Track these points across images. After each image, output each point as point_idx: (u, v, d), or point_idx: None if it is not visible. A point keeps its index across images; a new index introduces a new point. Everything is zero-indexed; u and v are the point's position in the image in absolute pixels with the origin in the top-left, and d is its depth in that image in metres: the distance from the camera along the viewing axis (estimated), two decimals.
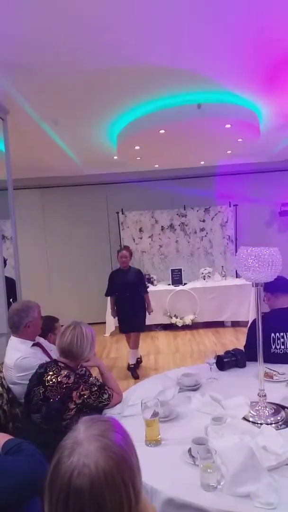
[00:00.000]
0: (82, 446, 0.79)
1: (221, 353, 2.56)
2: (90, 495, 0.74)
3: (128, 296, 4.73)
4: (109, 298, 5.02)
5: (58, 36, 2.54)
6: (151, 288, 6.59)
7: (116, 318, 4.97)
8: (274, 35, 2.70)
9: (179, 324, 6.41)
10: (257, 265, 1.73)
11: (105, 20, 2.39)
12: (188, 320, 6.40)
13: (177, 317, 6.44)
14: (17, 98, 3.28)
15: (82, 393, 1.86)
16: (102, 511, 0.75)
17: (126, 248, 5.85)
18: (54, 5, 2.20)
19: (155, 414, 1.68)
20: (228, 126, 4.03)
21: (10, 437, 1.39)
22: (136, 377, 4.61)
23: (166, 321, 6.49)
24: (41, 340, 2.64)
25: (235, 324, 6.51)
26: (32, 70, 2.95)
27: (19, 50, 2.67)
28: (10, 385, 2.34)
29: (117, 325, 5.12)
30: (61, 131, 4.48)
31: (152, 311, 4.98)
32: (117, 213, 7.10)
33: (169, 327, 6.56)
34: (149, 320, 6.42)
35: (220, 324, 6.55)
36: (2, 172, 3.34)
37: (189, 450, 1.56)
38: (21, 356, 2.31)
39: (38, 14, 2.28)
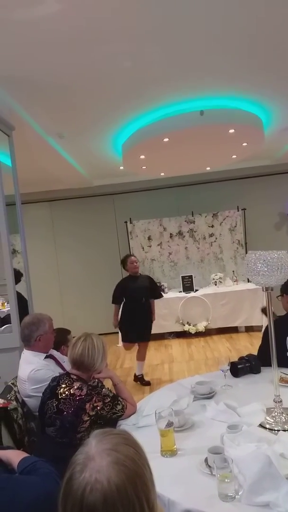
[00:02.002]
0: (94, 461, 0.77)
1: (236, 359, 2.53)
2: (103, 510, 0.73)
3: (144, 303, 4.68)
4: (114, 306, 4.81)
5: (58, 53, 2.58)
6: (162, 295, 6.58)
7: (118, 327, 4.84)
8: (281, 38, 2.70)
9: (192, 331, 6.36)
10: (266, 269, 1.72)
11: (103, 33, 2.43)
12: (201, 327, 6.35)
13: (190, 324, 6.40)
14: (22, 114, 3.33)
15: (95, 404, 1.85)
16: None
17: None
18: (55, 21, 2.24)
19: (169, 424, 1.66)
20: (232, 131, 4.03)
21: (25, 455, 1.39)
22: (147, 383, 4.63)
23: (179, 328, 6.46)
24: (54, 352, 2.64)
25: (249, 329, 6.44)
26: (34, 86, 3.00)
27: (21, 67, 2.72)
28: (25, 398, 2.34)
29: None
30: (66, 145, 4.53)
31: (154, 319, 4.94)
32: (125, 222, 7.13)
33: (182, 334, 6.51)
34: (162, 328, 6.43)
35: (234, 330, 6.49)
36: (10, 187, 3.38)
37: (206, 459, 1.54)
38: (34, 369, 2.31)
39: (40, 30, 2.32)
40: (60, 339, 2.85)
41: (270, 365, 1.90)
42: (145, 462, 0.83)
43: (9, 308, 3.08)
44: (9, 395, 2.31)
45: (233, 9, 2.31)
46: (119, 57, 2.75)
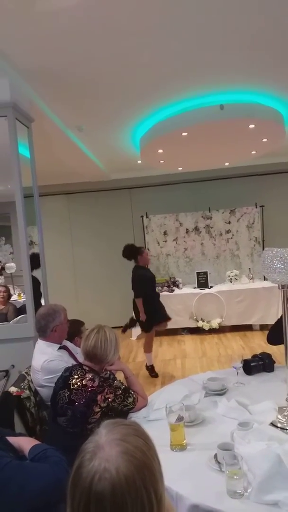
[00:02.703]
0: (104, 450, 0.78)
1: (250, 357, 2.52)
2: (111, 500, 0.74)
3: (157, 292, 4.79)
4: (141, 300, 4.67)
5: (79, 44, 2.58)
6: (176, 291, 6.58)
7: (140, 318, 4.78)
8: None
9: (206, 328, 6.34)
10: (282, 266, 1.69)
11: (124, 25, 2.41)
12: (215, 323, 6.32)
13: (203, 321, 6.37)
14: (41, 106, 3.35)
15: (106, 396, 1.87)
16: None
17: None
18: (74, 15, 2.24)
19: (180, 419, 1.66)
20: (252, 126, 3.97)
21: (36, 442, 1.41)
22: (155, 375, 4.70)
23: (192, 324, 6.44)
24: (68, 344, 2.67)
25: (263, 327, 6.37)
26: (55, 78, 3.01)
27: (42, 59, 2.73)
28: (38, 388, 2.38)
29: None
30: (85, 137, 4.54)
31: None
32: (142, 216, 7.12)
33: (195, 331, 6.50)
34: (175, 323, 6.42)
35: (248, 328, 6.43)
36: (28, 179, 3.41)
37: (215, 455, 1.53)
38: (47, 359, 2.34)
39: (59, 24, 2.32)
40: (74, 330, 2.88)
41: (280, 343, 1.90)
42: (154, 453, 0.83)
43: (25, 299, 3.12)
44: (22, 384, 2.35)
45: (252, 2, 2.27)
46: (139, 51, 2.73)
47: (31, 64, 2.76)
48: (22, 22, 2.28)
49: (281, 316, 2.53)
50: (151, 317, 4.70)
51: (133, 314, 4.94)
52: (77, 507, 0.76)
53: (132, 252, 4.81)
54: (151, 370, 4.78)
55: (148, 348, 4.81)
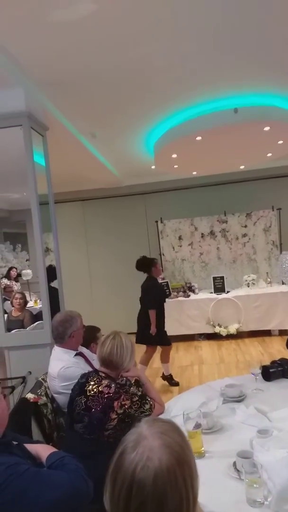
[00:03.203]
0: (147, 440, 0.82)
1: (268, 363, 2.47)
2: (153, 489, 0.77)
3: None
4: (154, 311, 4.58)
5: (92, 53, 2.61)
6: (192, 296, 6.54)
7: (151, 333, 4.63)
8: None
9: (223, 334, 6.26)
10: None
11: (138, 32, 2.43)
12: (232, 329, 6.24)
13: (220, 326, 6.30)
14: (56, 114, 3.40)
15: (123, 403, 1.85)
16: (163, 506, 0.77)
17: None
18: (88, 24, 2.26)
19: (197, 426, 1.64)
20: (267, 128, 3.93)
21: (53, 449, 1.40)
22: (176, 383, 4.60)
23: (209, 330, 6.37)
24: (84, 350, 2.67)
25: (282, 332, 6.26)
26: (68, 86, 3.05)
27: (56, 68, 2.77)
28: (54, 395, 2.38)
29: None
30: (99, 144, 4.58)
31: None
32: (156, 222, 7.12)
33: (212, 336, 6.42)
34: (192, 329, 6.38)
35: (267, 333, 6.33)
36: (44, 187, 3.45)
37: (234, 463, 1.50)
38: (64, 366, 2.35)
39: (73, 33, 2.35)
40: (90, 336, 2.89)
41: None
42: (191, 451, 0.86)
43: (41, 306, 3.14)
44: (39, 391, 2.36)
45: (266, 5, 2.25)
46: (153, 57, 2.74)
47: (45, 73, 2.81)
48: (36, 32, 2.32)
49: None
50: (161, 330, 4.62)
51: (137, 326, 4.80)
52: (118, 492, 0.79)
53: (145, 264, 4.75)
54: (170, 379, 4.68)
55: (165, 358, 4.69)
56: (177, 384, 4.63)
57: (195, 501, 0.82)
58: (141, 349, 6.21)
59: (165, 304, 4.80)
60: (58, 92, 3.11)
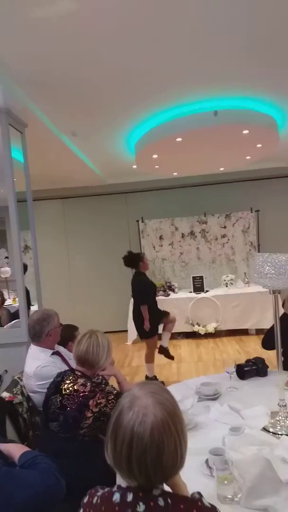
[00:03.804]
0: (141, 399, 0.95)
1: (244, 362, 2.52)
2: (150, 439, 0.91)
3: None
4: (146, 307, 4.54)
5: (73, 50, 2.59)
6: (172, 295, 6.58)
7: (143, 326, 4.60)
8: None
9: (202, 332, 6.33)
10: (273, 271, 1.70)
11: (118, 32, 2.43)
12: (210, 328, 6.32)
13: (199, 325, 6.37)
14: (35, 112, 3.36)
15: (98, 401, 1.86)
16: (161, 453, 0.92)
17: None
18: (69, 21, 2.25)
19: None
20: (245, 132, 3.99)
21: (26, 449, 1.40)
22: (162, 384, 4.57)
23: (188, 329, 6.44)
24: (61, 349, 2.66)
25: (259, 331, 6.38)
26: (48, 83, 3.02)
27: (36, 64, 2.74)
28: (30, 394, 2.37)
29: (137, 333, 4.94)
30: (79, 143, 4.56)
31: None
32: (137, 221, 7.14)
33: (191, 335, 6.49)
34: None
35: (244, 332, 6.44)
36: (23, 184, 3.41)
37: (206, 460, 1.53)
38: (40, 365, 2.34)
39: (54, 30, 2.34)
40: (68, 335, 2.87)
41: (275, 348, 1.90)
42: (178, 405, 1.01)
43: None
44: (15, 389, 2.34)
45: (248, 8, 2.29)
46: (134, 57, 2.75)
47: (24, 69, 2.77)
48: (16, 27, 2.29)
49: None
50: (154, 325, 4.58)
51: (134, 323, 4.78)
52: (120, 447, 0.93)
53: (133, 259, 4.70)
54: (154, 380, 4.63)
55: (150, 358, 4.63)
56: (162, 384, 4.62)
57: (186, 445, 0.98)
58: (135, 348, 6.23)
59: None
60: (38, 90, 3.08)
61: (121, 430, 0.93)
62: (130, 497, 0.94)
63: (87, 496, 1.05)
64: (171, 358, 4.71)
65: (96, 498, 1.02)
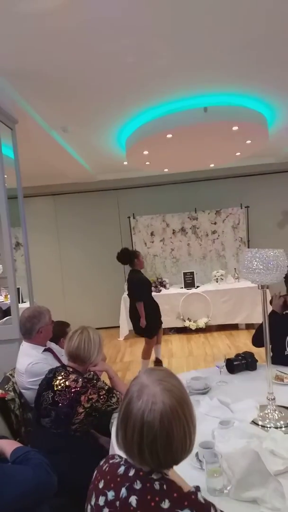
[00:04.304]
0: (149, 388, 0.97)
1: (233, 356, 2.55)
2: (161, 426, 0.94)
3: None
4: (142, 304, 4.52)
5: (62, 45, 2.58)
6: (163, 291, 6.62)
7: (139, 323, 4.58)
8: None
9: (193, 327, 6.38)
10: (261, 267, 1.73)
11: (107, 27, 2.43)
12: (201, 323, 6.37)
13: (190, 320, 6.42)
14: (25, 107, 3.34)
15: (90, 397, 1.88)
16: (171, 438, 0.94)
17: None
18: (58, 16, 2.24)
19: None
20: (235, 128, 4.01)
21: (18, 444, 1.42)
22: None
23: (179, 324, 6.48)
24: (52, 346, 2.67)
25: (249, 326, 6.45)
26: (38, 79, 3.00)
27: (25, 60, 2.72)
28: (22, 390, 2.37)
29: (131, 329, 4.97)
30: (70, 139, 4.54)
31: None
32: (128, 217, 7.14)
33: (182, 330, 6.54)
34: (163, 323, 6.44)
35: (234, 327, 6.50)
36: (13, 181, 3.39)
37: (196, 454, 1.56)
38: (32, 362, 2.34)
39: (42, 25, 2.33)
40: (59, 332, 2.88)
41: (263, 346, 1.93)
42: (186, 391, 1.03)
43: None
44: (7, 386, 2.34)
45: (238, 4, 2.30)
46: (123, 52, 2.74)
47: (13, 64, 2.75)
48: (4, 22, 2.27)
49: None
50: (152, 322, 4.56)
51: (131, 321, 4.77)
52: (131, 435, 0.96)
53: (128, 255, 4.64)
54: None
55: (147, 355, 4.63)
56: None
57: (195, 429, 1.01)
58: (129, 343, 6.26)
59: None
60: (28, 85, 3.07)
61: (131, 419, 0.96)
62: (131, 472, 0.99)
63: (103, 461, 1.11)
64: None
65: (106, 465, 1.08)
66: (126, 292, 4.93)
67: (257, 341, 2.61)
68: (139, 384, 0.99)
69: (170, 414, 0.94)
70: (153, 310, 4.64)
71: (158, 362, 4.88)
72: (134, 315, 4.63)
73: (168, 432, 0.94)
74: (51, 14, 2.23)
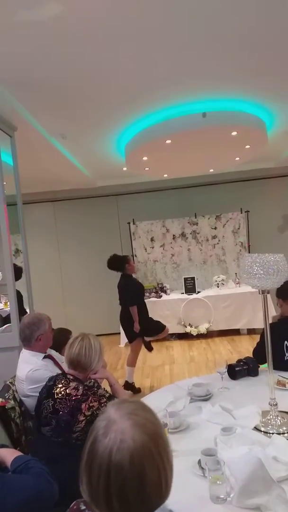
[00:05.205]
0: (117, 424, 0.83)
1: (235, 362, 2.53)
2: (130, 468, 0.79)
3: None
4: (135, 308, 4.46)
5: (61, 53, 2.60)
6: (164, 297, 6.60)
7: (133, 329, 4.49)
8: (285, 40, 2.71)
9: (194, 333, 6.36)
10: (262, 272, 1.72)
11: (106, 35, 2.44)
12: (203, 328, 6.34)
13: (191, 326, 6.39)
14: (24, 115, 3.36)
15: (91, 405, 1.86)
16: (143, 482, 0.79)
17: None
18: (58, 23, 2.26)
19: (163, 425, 1.66)
20: (234, 133, 4.03)
21: (19, 453, 1.40)
22: (139, 390, 4.50)
23: (180, 330, 6.45)
24: (53, 353, 2.65)
25: (251, 331, 6.43)
26: (37, 86, 3.02)
27: (24, 68, 2.74)
28: (22, 398, 2.35)
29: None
30: (69, 145, 4.55)
31: None
32: (128, 223, 7.15)
33: (183, 336, 6.51)
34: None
35: (236, 332, 6.47)
36: (13, 187, 3.40)
37: (199, 461, 1.54)
38: (32, 369, 2.33)
39: (41, 33, 2.34)
40: (61, 339, 2.86)
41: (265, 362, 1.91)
42: (161, 424, 0.90)
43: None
44: (7, 394, 2.32)
45: (236, 11, 2.32)
46: (122, 59, 2.76)
47: (13, 72, 2.77)
48: (3, 31, 2.29)
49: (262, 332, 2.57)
50: (144, 327, 4.48)
51: (120, 326, 4.70)
52: (96, 480, 0.80)
53: (119, 262, 4.58)
54: (132, 387, 4.48)
55: (132, 362, 4.54)
56: (139, 391, 4.48)
57: (171, 468, 0.87)
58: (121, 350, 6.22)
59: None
60: (27, 93, 3.08)
61: (96, 460, 0.81)
62: None
63: (68, 510, 1.00)
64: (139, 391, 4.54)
65: None
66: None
67: (259, 357, 2.55)
68: (105, 419, 0.85)
69: (141, 452, 0.80)
70: (146, 315, 4.57)
71: (130, 386, 4.55)
72: (127, 321, 4.53)
73: (139, 475, 0.79)
74: (50, 22, 2.24)
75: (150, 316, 4.67)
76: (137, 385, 4.60)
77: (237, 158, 5.25)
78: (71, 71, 2.85)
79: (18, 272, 3.27)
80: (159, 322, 4.65)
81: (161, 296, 6.58)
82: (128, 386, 4.48)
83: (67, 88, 3.11)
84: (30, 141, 3.93)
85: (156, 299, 6.49)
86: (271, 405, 1.82)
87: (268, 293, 1.82)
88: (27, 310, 3.37)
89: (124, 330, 4.66)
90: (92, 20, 2.27)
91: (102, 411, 0.89)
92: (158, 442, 0.83)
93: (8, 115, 3.11)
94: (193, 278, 6.69)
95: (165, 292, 6.75)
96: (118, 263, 4.58)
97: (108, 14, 2.23)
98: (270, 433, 1.73)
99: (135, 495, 0.79)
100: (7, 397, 2.30)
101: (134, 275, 4.78)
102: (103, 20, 2.28)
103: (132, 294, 4.50)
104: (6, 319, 4.19)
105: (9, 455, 1.37)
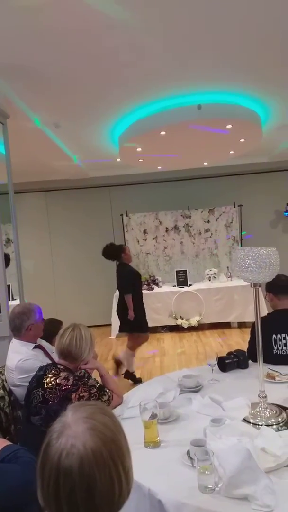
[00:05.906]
0: (70, 428, 0.80)
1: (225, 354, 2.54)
2: (79, 474, 0.76)
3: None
4: (130, 296, 4.42)
5: (56, 41, 2.55)
6: (156, 289, 6.61)
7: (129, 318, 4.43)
8: (281, 34, 2.69)
9: (185, 326, 6.39)
10: (254, 265, 1.72)
11: (102, 24, 2.40)
12: (193, 321, 6.37)
13: (182, 319, 6.42)
14: (17, 102, 3.31)
15: (81, 395, 1.86)
16: (93, 490, 0.76)
17: None
18: (51, 11, 2.21)
19: (153, 416, 1.67)
20: (229, 126, 4.01)
21: (7, 443, 1.39)
22: (140, 380, 4.45)
23: (171, 322, 6.48)
24: (43, 343, 2.64)
25: (241, 325, 6.47)
26: (31, 74, 2.97)
27: (18, 54, 2.69)
28: (12, 388, 2.35)
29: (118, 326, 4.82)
30: (62, 134, 4.50)
31: None
32: (121, 215, 7.12)
33: (174, 328, 6.54)
34: (155, 321, 6.45)
35: (227, 325, 6.52)
36: (4, 176, 3.35)
37: (188, 452, 1.55)
38: (22, 358, 2.32)
39: (35, 20, 2.29)
40: (52, 330, 2.85)
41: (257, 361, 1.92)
42: (120, 429, 0.86)
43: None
44: None
45: (231, 4, 2.29)
46: (118, 49, 2.72)
47: (5, 59, 2.72)
48: None
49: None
50: (140, 316, 4.46)
51: (114, 316, 4.73)
52: (47, 484, 0.78)
53: (114, 251, 4.54)
54: (132, 376, 4.45)
55: (133, 346, 4.50)
56: (140, 381, 4.41)
57: (128, 476, 0.82)
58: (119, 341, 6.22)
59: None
60: (20, 80, 3.03)
61: (47, 465, 0.78)
62: None
63: None
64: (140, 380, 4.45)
65: None
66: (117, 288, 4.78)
67: (254, 356, 2.55)
68: (61, 422, 0.82)
69: (91, 458, 0.76)
70: (142, 304, 4.54)
71: (130, 375, 4.50)
72: (121, 310, 4.50)
73: (89, 481, 0.76)
74: (44, 9, 2.19)
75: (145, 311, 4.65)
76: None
77: (232, 152, 5.24)
78: (65, 60, 2.81)
79: (6, 260, 3.23)
80: (147, 324, 4.62)
81: (152, 289, 6.59)
82: (128, 375, 4.48)
83: (61, 77, 3.06)
84: (22, 130, 3.87)
85: (147, 291, 6.49)
86: (260, 397, 1.83)
87: (260, 286, 1.82)
88: (18, 301, 3.35)
89: (120, 319, 4.60)
90: (87, 9, 2.22)
91: (62, 414, 0.86)
92: (111, 448, 0.80)
93: (0, 102, 3.06)
94: (185, 271, 6.71)
95: (157, 284, 6.75)
96: (112, 251, 4.56)
97: (103, 3, 2.19)
98: (259, 424, 1.75)
99: (84, 503, 0.76)
100: None
101: (131, 264, 4.72)
102: (99, 9, 2.24)
103: (127, 282, 4.47)
104: None
105: None
